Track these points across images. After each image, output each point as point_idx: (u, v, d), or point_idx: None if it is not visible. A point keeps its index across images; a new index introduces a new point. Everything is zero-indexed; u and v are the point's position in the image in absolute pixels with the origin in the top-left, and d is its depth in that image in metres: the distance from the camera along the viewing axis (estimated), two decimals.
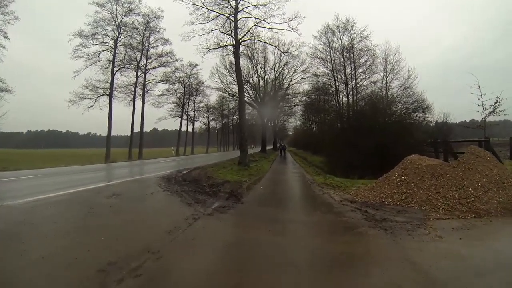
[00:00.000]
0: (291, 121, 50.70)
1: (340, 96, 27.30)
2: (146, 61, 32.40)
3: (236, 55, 18.32)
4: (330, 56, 26.96)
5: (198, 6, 17.40)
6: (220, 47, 18.56)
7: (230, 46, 18.46)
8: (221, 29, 18.10)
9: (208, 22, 17.84)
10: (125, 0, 28.76)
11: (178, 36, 32.16)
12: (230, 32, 18.07)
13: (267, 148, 43.04)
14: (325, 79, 28.39)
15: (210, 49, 18.48)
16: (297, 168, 19.33)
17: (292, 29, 18.17)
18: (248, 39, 18.76)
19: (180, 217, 5.78)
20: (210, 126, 55.81)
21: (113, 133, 30.30)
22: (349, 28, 25.74)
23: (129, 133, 32.78)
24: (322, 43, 27.20)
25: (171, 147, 44.00)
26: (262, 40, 19.25)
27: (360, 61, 25.70)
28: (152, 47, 32.33)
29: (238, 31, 17.96)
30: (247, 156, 17.47)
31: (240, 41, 18.22)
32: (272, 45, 19.88)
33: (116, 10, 28.73)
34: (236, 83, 26.69)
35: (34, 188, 8.72)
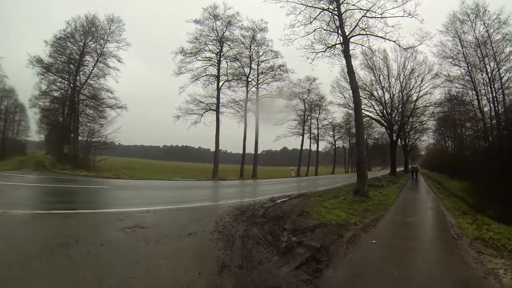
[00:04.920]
0: (423, 139, 44.65)
1: (482, 103, 21.35)
2: (258, 75, 30.96)
3: (346, 54, 14.53)
4: (463, 54, 21.62)
5: (293, 3, 14.93)
6: (328, 47, 15.38)
7: (339, 45, 15.03)
8: (325, 27, 15.14)
9: (310, 23, 15.18)
10: (224, 14, 27.80)
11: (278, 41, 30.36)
12: (336, 29, 14.87)
13: (397, 169, 36.93)
14: (460, 85, 23.22)
15: (317, 52, 15.52)
16: (433, 200, 14.44)
17: (409, 14, 14.15)
18: (358, 34, 15.09)
19: None
20: (337, 145, 50.78)
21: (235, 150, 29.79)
22: (480, 14, 20.16)
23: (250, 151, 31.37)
24: (450, 38, 22.14)
25: (290, 167, 41.72)
26: (374, 34, 15.19)
27: (502, 55, 19.44)
28: (262, 61, 30.76)
29: (344, 27, 14.70)
30: (366, 183, 12.96)
31: (349, 36, 14.76)
32: (389, 40, 15.56)
33: (216, 25, 28.04)
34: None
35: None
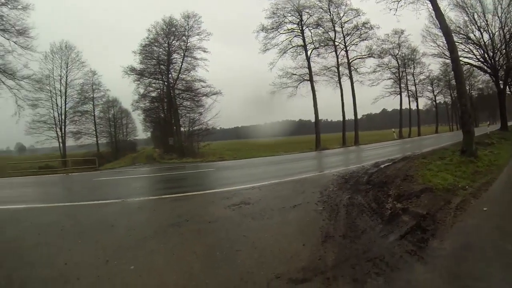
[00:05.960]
0: None
1: None
2: (344, 37, 29.47)
3: None
4: None
5: None
6: None
7: None
8: None
9: None
10: None
11: None
12: None
13: (510, 124, 31.08)
14: None
15: (399, 1, 14.36)
16: None
17: None
18: None
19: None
20: (437, 101, 44.57)
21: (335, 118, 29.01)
22: None
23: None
24: None
25: (392, 129, 39.02)
26: None
27: None
28: (345, 22, 29.11)
29: None
30: (474, 140, 11.01)
31: None
32: None
33: None
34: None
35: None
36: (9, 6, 22.19)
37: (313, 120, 29.35)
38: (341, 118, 30.06)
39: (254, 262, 3.46)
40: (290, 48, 28.53)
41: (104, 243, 4.57)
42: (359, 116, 31.76)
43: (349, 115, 30.39)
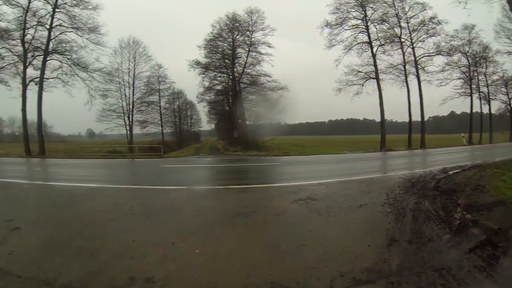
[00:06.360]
0: None
1: None
2: (410, 34, 28.06)
3: None
4: None
5: None
6: None
7: None
8: None
9: None
10: None
11: None
12: None
13: None
14: None
15: None
16: None
17: None
18: None
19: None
20: None
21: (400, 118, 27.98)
22: None
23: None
24: None
25: (460, 134, 35.35)
26: None
27: None
28: (411, 17, 27.73)
29: None
30: None
31: None
32: None
33: None
34: None
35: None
36: (80, 7, 25.11)
37: (377, 119, 28.83)
38: (405, 119, 29.09)
39: (318, 257, 3.50)
40: (355, 45, 27.99)
41: (170, 226, 4.84)
42: (425, 118, 30.38)
43: (415, 116, 29.19)
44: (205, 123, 40.30)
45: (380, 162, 16.19)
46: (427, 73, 29.12)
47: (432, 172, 9.46)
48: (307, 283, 2.98)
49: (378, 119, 28.45)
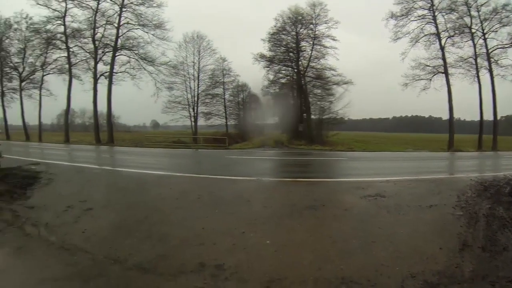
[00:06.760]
0: None
1: None
2: (482, 23, 25.45)
3: None
4: None
5: None
6: None
7: None
8: None
9: None
10: None
11: None
12: None
13: None
14: None
15: None
16: None
17: None
18: None
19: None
20: None
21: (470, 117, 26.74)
22: None
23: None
24: None
25: None
26: None
27: None
28: (481, 5, 25.04)
29: None
30: None
31: None
32: None
33: None
34: None
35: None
36: (145, 5, 26.92)
37: (444, 117, 27.34)
38: (475, 118, 27.03)
39: (389, 256, 3.49)
40: (422, 37, 26.07)
41: (240, 216, 4.96)
42: (498, 117, 27.66)
43: (485, 115, 26.79)
44: (269, 116, 40.97)
45: (448, 162, 15.60)
46: (501, 67, 26.12)
47: (507, 176, 8.98)
48: (378, 281, 3.00)
49: (445, 116, 26.91)
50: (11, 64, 30.19)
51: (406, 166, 12.56)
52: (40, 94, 29.78)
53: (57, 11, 27.31)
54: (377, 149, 23.16)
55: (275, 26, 28.58)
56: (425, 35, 26.23)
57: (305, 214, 4.99)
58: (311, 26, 27.88)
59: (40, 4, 26.65)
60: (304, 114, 28.16)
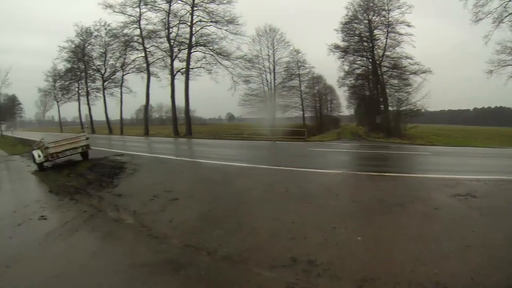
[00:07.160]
0: None
1: None
2: None
3: None
4: None
5: None
6: None
7: None
8: None
9: None
10: None
11: None
12: None
13: None
14: None
15: None
16: None
17: None
18: None
19: None
20: None
21: None
22: None
23: None
24: None
25: None
26: None
27: None
28: None
29: None
30: None
31: None
32: None
33: None
34: None
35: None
36: (216, 2, 28.24)
37: None
38: None
39: (485, 263, 3.25)
40: (506, 16, 22.55)
41: (329, 210, 4.91)
42: None
43: None
44: (345, 108, 40.08)
45: None
46: None
47: None
48: None
49: None
50: (94, 67, 34.13)
51: (496, 164, 11.41)
52: (121, 92, 33.22)
53: (133, 16, 30.10)
54: (459, 143, 21.50)
55: (346, 15, 28.11)
56: (510, 13, 22.78)
57: (395, 211, 4.88)
58: (384, 12, 26.84)
59: (117, 12, 29.75)
60: (382, 106, 26.97)
